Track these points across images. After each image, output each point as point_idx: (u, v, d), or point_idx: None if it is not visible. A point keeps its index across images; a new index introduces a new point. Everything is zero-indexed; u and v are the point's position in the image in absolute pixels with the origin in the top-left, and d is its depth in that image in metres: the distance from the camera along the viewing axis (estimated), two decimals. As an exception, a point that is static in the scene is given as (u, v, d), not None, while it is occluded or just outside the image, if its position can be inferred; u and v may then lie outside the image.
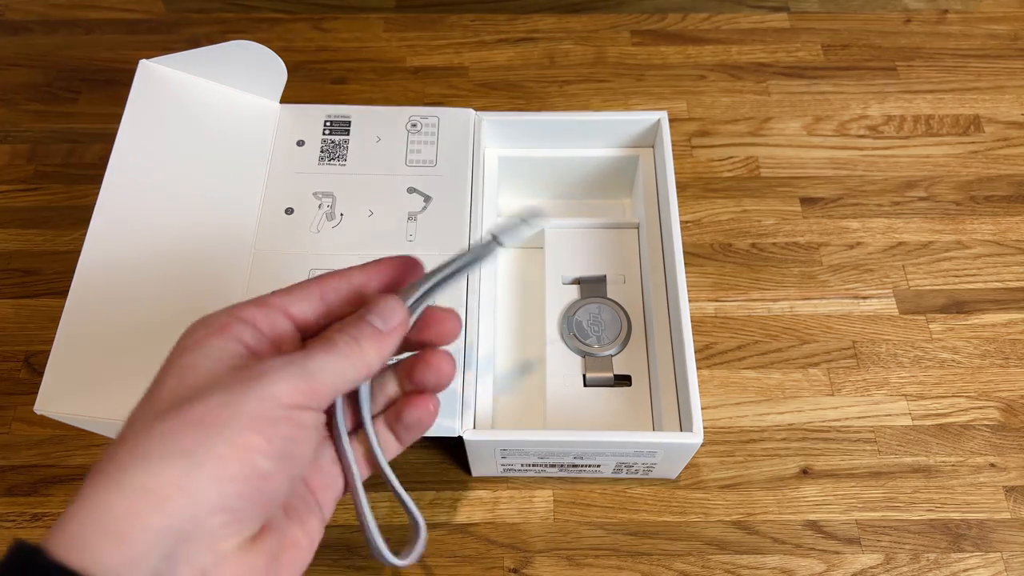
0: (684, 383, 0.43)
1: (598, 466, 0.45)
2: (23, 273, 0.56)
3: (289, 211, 0.49)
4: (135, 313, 0.44)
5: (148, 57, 0.50)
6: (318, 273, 0.48)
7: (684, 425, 0.43)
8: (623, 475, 0.47)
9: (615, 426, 0.47)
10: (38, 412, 0.41)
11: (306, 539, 0.27)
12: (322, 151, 0.52)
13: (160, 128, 0.49)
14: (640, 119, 0.52)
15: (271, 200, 0.50)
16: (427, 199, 0.51)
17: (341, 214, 0.49)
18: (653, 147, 0.53)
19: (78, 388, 0.42)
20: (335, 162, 0.51)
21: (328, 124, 0.53)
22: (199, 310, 0.44)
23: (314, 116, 0.53)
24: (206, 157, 0.49)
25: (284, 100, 0.55)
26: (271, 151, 0.52)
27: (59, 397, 0.41)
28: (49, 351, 0.53)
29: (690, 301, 0.53)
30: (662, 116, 0.52)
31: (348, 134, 0.53)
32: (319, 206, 0.50)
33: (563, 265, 0.52)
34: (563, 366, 0.49)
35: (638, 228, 0.53)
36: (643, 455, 0.43)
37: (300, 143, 0.52)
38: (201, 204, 0.48)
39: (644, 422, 0.49)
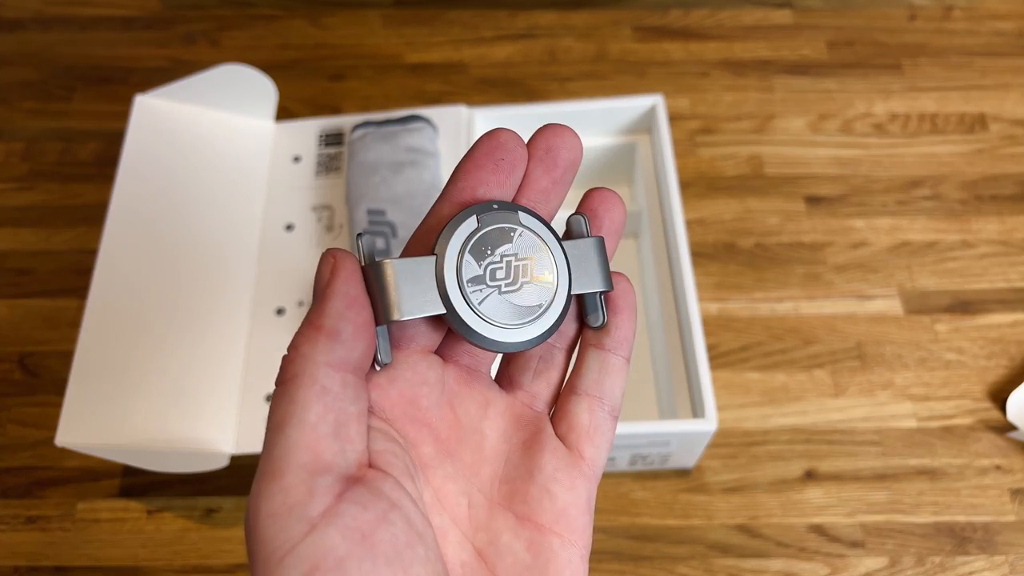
0: (695, 369, 0.43)
1: (612, 459, 0.45)
2: (17, 273, 0.56)
3: (289, 227, 0.50)
4: (146, 340, 0.45)
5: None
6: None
7: (697, 412, 0.43)
8: (638, 467, 0.47)
9: (621, 417, 0.47)
10: (59, 445, 0.41)
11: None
12: (318, 164, 0.52)
13: (159, 162, 0.50)
14: (635, 105, 0.52)
15: (271, 218, 0.50)
16: (426, 198, 0.50)
17: (340, 225, 0.50)
18: (650, 132, 0.53)
19: (96, 418, 0.42)
20: (332, 174, 0.52)
21: (323, 138, 0.53)
22: (209, 334, 0.45)
23: (308, 131, 0.53)
24: (206, 185, 0.50)
25: (281, 98, 0.54)
26: (268, 170, 0.52)
27: (79, 428, 0.41)
28: (44, 352, 0.52)
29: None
30: (657, 100, 0.51)
31: (342, 145, 0.53)
32: (318, 219, 0.50)
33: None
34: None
35: (639, 216, 0.52)
36: (656, 445, 0.43)
37: (296, 159, 0.52)
38: (203, 232, 0.49)
39: (649, 412, 0.48)
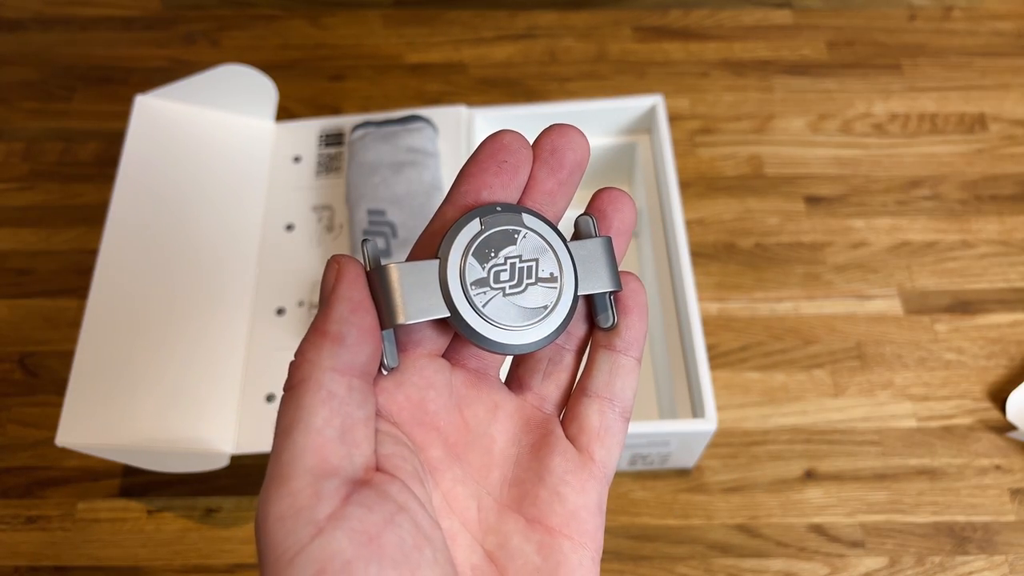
0: (695, 369, 0.43)
1: None
2: (17, 273, 0.56)
3: (290, 227, 0.50)
4: (146, 340, 0.45)
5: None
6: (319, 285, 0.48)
7: (696, 412, 0.43)
8: (638, 467, 0.47)
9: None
10: (59, 445, 0.41)
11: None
12: (319, 164, 0.52)
13: (159, 162, 0.50)
14: (635, 105, 0.52)
15: (271, 219, 0.50)
16: (426, 198, 0.50)
17: (340, 225, 0.50)
18: (650, 132, 0.53)
19: (97, 418, 0.42)
20: (332, 174, 0.52)
21: (323, 138, 0.53)
22: (209, 334, 0.45)
23: (308, 131, 0.53)
24: (206, 185, 0.50)
25: (281, 98, 0.54)
26: (269, 170, 0.52)
27: (79, 428, 0.41)
28: (44, 352, 0.52)
29: (693, 301, 0.53)
30: (657, 101, 0.52)
31: (342, 145, 0.53)
32: (318, 219, 0.50)
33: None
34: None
35: (639, 216, 0.52)
36: (656, 445, 0.43)
37: (297, 159, 0.52)
38: (203, 232, 0.49)
39: (649, 412, 0.48)
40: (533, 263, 0.21)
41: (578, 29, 0.67)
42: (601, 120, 0.53)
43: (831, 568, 0.45)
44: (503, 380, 0.23)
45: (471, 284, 0.20)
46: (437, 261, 0.20)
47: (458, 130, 0.52)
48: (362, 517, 0.17)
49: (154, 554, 0.46)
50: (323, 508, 0.17)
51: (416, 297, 0.19)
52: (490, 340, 0.20)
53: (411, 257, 0.21)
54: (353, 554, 0.16)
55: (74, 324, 0.52)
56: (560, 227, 0.22)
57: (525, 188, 0.21)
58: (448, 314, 0.20)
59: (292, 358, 0.19)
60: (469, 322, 0.20)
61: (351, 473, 0.18)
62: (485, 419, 0.21)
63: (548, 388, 0.22)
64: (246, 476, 0.48)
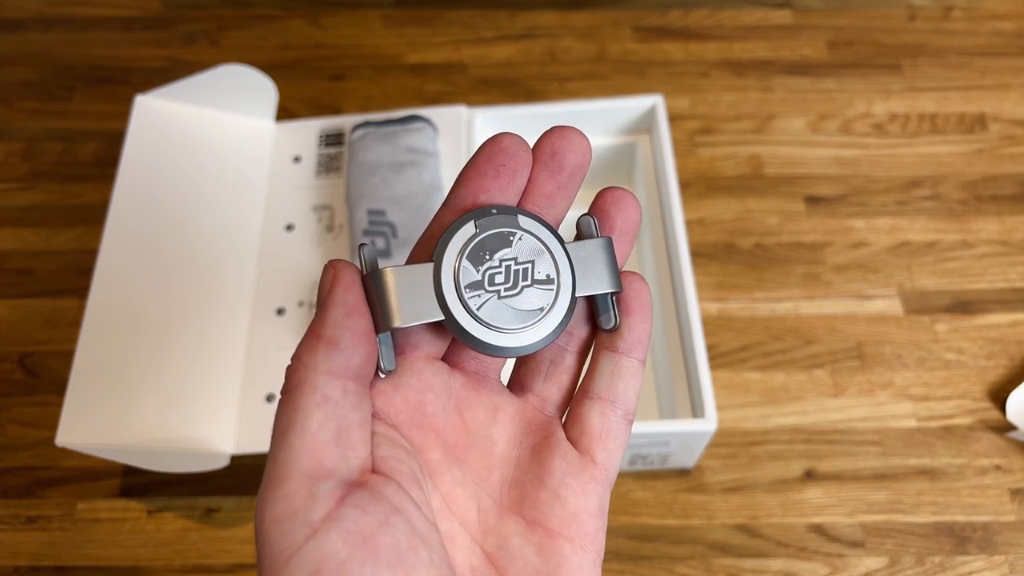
0: (695, 369, 0.43)
1: None
2: (17, 273, 0.56)
3: (290, 227, 0.50)
4: (146, 340, 0.45)
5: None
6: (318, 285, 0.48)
7: (696, 412, 0.43)
8: (638, 467, 0.47)
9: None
10: (59, 445, 0.41)
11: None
12: (319, 164, 0.52)
13: (159, 162, 0.50)
14: (635, 105, 0.52)
15: (271, 219, 0.50)
16: (426, 198, 0.50)
17: (340, 225, 0.50)
18: (650, 132, 0.53)
19: (97, 418, 0.42)
20: (332, 174, 0.52)
21: (323, 138, 0.53)
22: (209, 334, 0.45)
23: (308, 131, 0.53)
24: (206, 185, 0.50)
25: (281, 98, 0.54)
26: (269, 170, 0.52)
27: (79, 428, 0.42)
28: (44, 352, 0.52)
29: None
30: (657, 101, 0.52)
31: (342, 145, 0.53)
32: (318, 219, 0.50)
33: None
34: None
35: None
36: (656, 445, 0.43)
37: (296, 159, 0.52)
38: (203, 232, 0.49)
39: (650, 412, 0.49)
40: (529, 265, 0.21)
41: (578, 29, 0.67)
42: (601, 120, 0.53)
43: (831, 568, 0.45)
44: (505, 382, 0.23)
45: (465, 287, 0.20)
46: (431, 264, 0.20)
47: (458, 130, 0.52)
48: (356, 518, 0.17)
49: (154, 554, 0.46)
50: (318, 510, 0.17)
51: (410, 301, 0.19)
52: (484, 343, 0.20)
53: (410, 260, 0.21)
54: (348, 555, 0.17)
55: (74, 324, 0.52)
56: (562, 229, 0.22)
57: (524, 191, 0.21)
58: (442, 317, 0.20)
59: (290, 361, 0.19)
60: (463, 325, 0.20)
61: (346, 475, 0.18)
62: (485, 421, 0.21)
63: (549, 390, 0.22)
64: (246, 476, 0.48)
